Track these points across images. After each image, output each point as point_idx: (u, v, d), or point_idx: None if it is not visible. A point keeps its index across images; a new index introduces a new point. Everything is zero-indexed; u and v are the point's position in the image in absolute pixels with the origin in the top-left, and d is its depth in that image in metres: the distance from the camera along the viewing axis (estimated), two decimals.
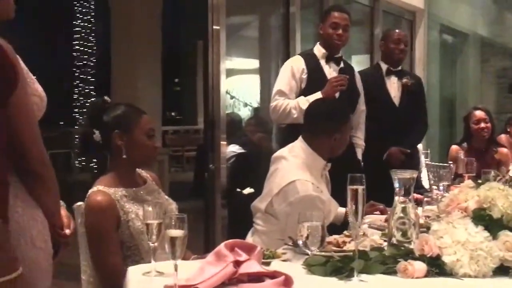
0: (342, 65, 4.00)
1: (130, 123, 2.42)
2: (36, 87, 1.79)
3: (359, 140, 4.09)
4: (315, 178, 2.78)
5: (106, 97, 2.50)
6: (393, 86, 4.41)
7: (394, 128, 4.29)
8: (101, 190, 2.33)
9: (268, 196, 2.80)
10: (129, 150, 2.39)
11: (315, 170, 2.82)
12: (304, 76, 3.88)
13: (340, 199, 2.77)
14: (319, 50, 4.00)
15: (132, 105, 2.58)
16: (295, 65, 3.91)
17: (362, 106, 4.14)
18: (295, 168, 2.78)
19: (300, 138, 2.92)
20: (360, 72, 4.44)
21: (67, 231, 1.82)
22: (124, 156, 2.38)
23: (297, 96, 3.83)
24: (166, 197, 2.57)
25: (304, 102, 3.64)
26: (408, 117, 4.36)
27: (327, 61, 3.97)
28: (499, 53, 9.93)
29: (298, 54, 4.18)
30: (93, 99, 2.58)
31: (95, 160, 11.59)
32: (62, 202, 1.85)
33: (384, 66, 4.43)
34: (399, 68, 4.47)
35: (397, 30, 4.60)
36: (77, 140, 12.41)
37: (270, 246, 2.55)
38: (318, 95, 3.68)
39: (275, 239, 2.69)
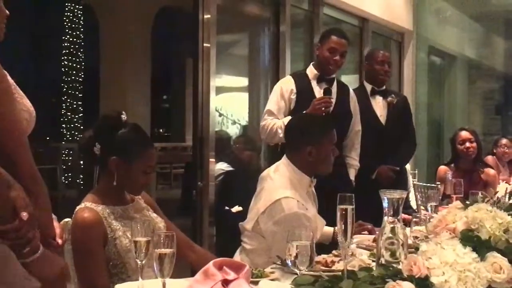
0: (332, 86, 3.99)
1: (132, 155, 2.35)
2: (25, 102, 1.78)
3: (353, 160, 4.07)
4: (301, 196, 2.79)
5: (123, 114, 2.40)
6: (379, 105, 4.43)
7: (381, 147, 4.31)
8: (89, 207, 2.30)
9: (254, 215, 2.80)
10: (120, 178, 2.35)
11: (300, 187, 2.82)
12: (293, 96, 3.90)
13: (330, 218, 2.79)
14: (311, 71, 4.01)
15: (144, 133, 2.50)
16: (284, 86, 3.94)
17: (357, 126, 4.13)
18: (280, 186, 2.79)
19: (284, 156, 2.93)
20: None
21: (59, 241, 1.81)
22: (115, 183, 2.35)
23: (286, 115, 3.85)
24: (155, 215, 2.55)
25: None
26: (395, 135, 4.39)
27: (318, 82, 3.98)
28: (486, 75, 10.02)
29: (290, 75, 4.21)
30: (106, 114, 2.37)
31: (81, 176, 11.54)
32: (53, 216, 1.84)
33: (368, 86, 4.46)
34: (384, 87, 4.50)
35: (381, 51, 4.58)
36: (64, 155, 12.36)
37: (257, 265, 2.56)
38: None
39: (262, 257, 2.70)
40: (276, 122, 3.81)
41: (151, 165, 2.42)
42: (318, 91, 3.94)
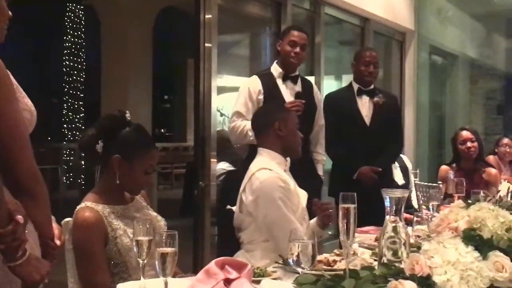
0: (300, 88, 4.02)
1: (135, 154, 2.36)
2: (26, 102, 1.78)
3: (319, 155, 4.12)
4: (276, 170, 2.88)
5: (127, 113, 2.41)
6: (365, 106, 4.41)
7: (365, 147, 4.29)
8: (89, 207, 2.30)
9: (238, 196, 2.93)
10: (122, 177, 2.36)
11: (276, 164, 2.92)
12: (260, 97, 3.91)
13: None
14: (276, 69, 4.03)
15: (147, 134, 2.52)
16: (251, 86, 3.94)
17: (320, 120, 4.15)
18: (256, 165, 2.91)
19: (258, 149, 3.03)
20: (333, 92, 4.46)
21: (58, 242, 1.80)
22: (118, 182, 2.35)
23: None
24: (155, 214, 2.55)
25: None
26: (380, 136, 4.35)
27: (284, 80, 4.00)
28: (487, 75, 10.02)
29: (256, 74, 4.16)
30: (111, 113, 2.38)
31: (83, 176, 11.54)
32: (52, 217, 1.84)
33: (355, 86, 4.45)
34: (371, 87, 4.48)
35: (368, 52, 4.53)
36: (65, 156, 12.36)
37: (255, 253, 2.59)
38: None
39: (256, 243, 2.79)
40: (246, 123, 3.79)
41: (152, 165, 2.43)
42: (284, 90, 3.98)
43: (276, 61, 4.10)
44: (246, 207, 2.85)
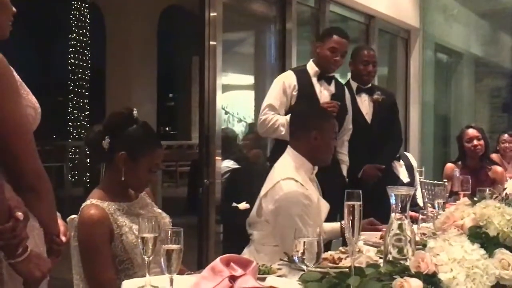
0: (334, 89, 4.02)
1: (141, 153, 2.38)
2: (30, 98, 1.78)
3: (344, 156, 4.12)
4: (303, 179, 2.84)
5: (135, 110, 2.42)
6: (364, 103, 4.40)
7: (367, 145, 4.29)
8: (95, 204, 2.31)
9: (258, 200, 2.88)
10: (127, 175, 2.37)
11: (302, 171, 2.87)
12: (295, 93, 3.91)
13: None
14: (312, 68, 4.02)
15: (154, 132, 2.54)
16: (287, 81, 3.94)
17: (349, 125, 4.16)
18: (281, 170, 2.87)
19: (288, 146, 2.98)
20: None
21: (63, 238, 1.81)
22: (123, 179, 2.37)
23: (286, 111, 3.86)
24: (160, 210, 2.56)
25: None
26: (381, 133, 4.35)
27: (319, 79, 3.99)
28: (493, 73, 9.99)
29: (291, 70, 4.19)
30: (118, 111, 2.36)
31: (88, 174, 11.56)
32: (58, 213, 1.84)
33: (354, 84, 4.42)
34: (370, 85, 4.46)
35: (366, 51, 4.48)
36: (70, 153, 12.38)
37: (263, 255, 2.59)
38: None
39: (267, 245, 2.77)
40: (278, 118, 3.81)
41: (158, 164, 2.44)
42: (318, 89, 3.98)
43: (312, 59, 4.09)
44: (264, 214, 2.82)
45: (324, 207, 2.95)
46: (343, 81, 4.45)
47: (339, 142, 4.04)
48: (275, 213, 2.77)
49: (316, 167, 2.96)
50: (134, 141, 2.37)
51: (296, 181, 2.78)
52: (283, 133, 3.72)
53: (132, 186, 2.44)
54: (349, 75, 4.80)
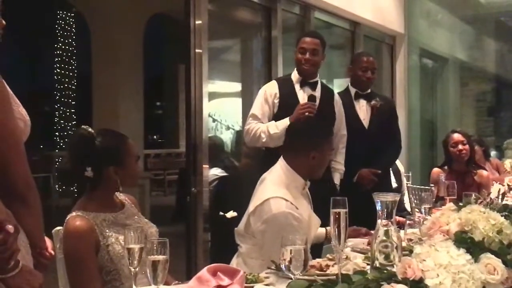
0: (318, 93, 4.03)
1: (122, 154, 2.41)
2: (20, 111, 1.78)
3: (338, 164, 4.13)
4: (293, 196, 2.81)
5: (89, 129, 2.41)
6: (362, 109, 4.42)
7: (364, 151, 4.30)
8: (80, 215, 2.30)
9: (246, 215, 2.85)
10: (123, 180, 2.41)
11: (293, 188, 2.84)
12: (276, 101, 3.97)
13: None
14: (295, 75, 4.07)
15: (115, 132, 2.54)
16: (268, 90, 4.01)
17: (342, 131, 4.17)
18: (271, 186, 2.82)
19: (281, 157, 2.95)
20: None
21: (52, 252, 1.80)
22: (121, 189, 2.41)
23: (270, 120, 3.91)
24: (146, 220, 2.55)
25: (273, 127, 3.82)
26: (378, 139, 4.37)
27: (302, 86, 4.02)
28: (478, 77, 10.07)
29: (275, 79, 4.26)
30: (75, 130, 2.39)
31: (75, 184, 11.49)
32: None
33: (352, 90, 4.45)
34: (369, 91, 4.49)
35: (365, 57, 4.51)
36: (57, 164, 12.29)
37: (252, 267, 2.56)
38: (286, 121, 3.77)
39: (257, 259, 2.74)
40: (260, 126, 3.88)
41: (137, 151, 2.52)
42: (301, 95, 3.99)
43: (296, 68, 4.10)
44: (252, 232, 2.78)
45: (316, 222, 2.92)
46: (341, 88, 4.51)
47: (334, 151, 4.04)
48: (263, 233, 2.73)
49: (309, 182, 2.94)
50: (111, 151, 2.39)
51: (286, 200, 2.74)
52: (264, 140, 3.83)
53: (128, 184, 2.48)
54: (335, 82, 4.84)
